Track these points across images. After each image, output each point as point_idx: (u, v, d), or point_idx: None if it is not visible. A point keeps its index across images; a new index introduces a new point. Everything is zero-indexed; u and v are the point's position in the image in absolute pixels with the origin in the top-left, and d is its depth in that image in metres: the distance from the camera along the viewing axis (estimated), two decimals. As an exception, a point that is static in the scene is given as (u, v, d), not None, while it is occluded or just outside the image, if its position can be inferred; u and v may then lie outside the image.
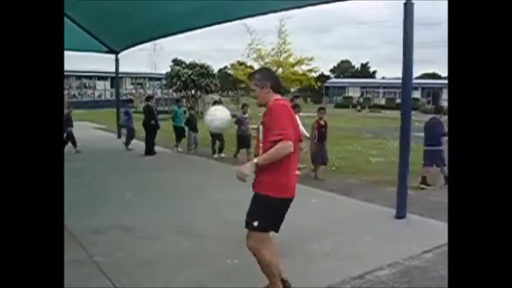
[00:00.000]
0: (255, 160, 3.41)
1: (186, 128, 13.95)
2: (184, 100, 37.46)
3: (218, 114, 4.37)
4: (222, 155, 12.78)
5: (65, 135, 13.12)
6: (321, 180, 9.42)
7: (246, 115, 12.48)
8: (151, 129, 13.10)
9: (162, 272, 4.49)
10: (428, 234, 5.69)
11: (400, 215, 6.38)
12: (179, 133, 14.11)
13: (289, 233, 4.55)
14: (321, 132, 9.75)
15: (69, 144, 12.98)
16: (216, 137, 12.59)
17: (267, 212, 3.48)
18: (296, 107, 10.27)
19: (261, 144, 3.60)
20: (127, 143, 13.92)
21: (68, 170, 10.09)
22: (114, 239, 5.48)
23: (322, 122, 9.77)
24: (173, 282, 4.24)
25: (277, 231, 3.61)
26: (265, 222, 3.48)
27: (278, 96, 3.69)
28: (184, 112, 14.95)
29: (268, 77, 3.75)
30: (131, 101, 17.34)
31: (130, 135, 14.10)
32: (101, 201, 7.39)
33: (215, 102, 12.78)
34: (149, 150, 12.98)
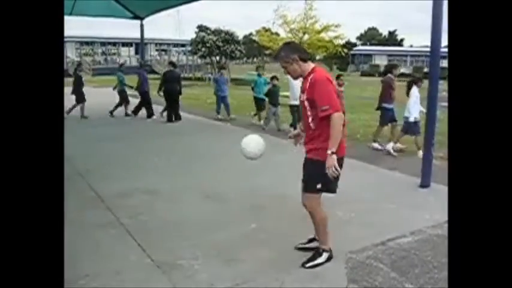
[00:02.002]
0: (330, 151, 3.54)
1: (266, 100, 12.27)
2: (209, 66, 37.58)
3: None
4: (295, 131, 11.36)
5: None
6: None
7: (342, 88, 10.43)
8: (176, 95, 13.21)
9: (187, 233, 4.60)
10: (452, 203, 5.63)
11: (425, 184, 6.34)
12: (258, 104, 12.84)
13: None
14: None
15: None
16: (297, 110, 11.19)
17: (326, 175, 3.63)
18: (418, 82, 9.02)
19: (310, 118, 3.73)
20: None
21: (96, 135, 10.28)
22: (140, 202, 5.61)
23: None
24: (197, 244, 4.33)
25: (335, 192, 3.90)
26: (327, 184, 3.73)
27: (311, 65, 3.79)
28: (266, 82, 12.86)
29: (293, 50, 3.80)
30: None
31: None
32: (127, 165, 7.56)
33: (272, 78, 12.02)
34: (175, 116, 13.11)
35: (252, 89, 13.19)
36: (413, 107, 8.63)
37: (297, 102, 10.60)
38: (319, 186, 3.74)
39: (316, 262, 3.89)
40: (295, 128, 10.45)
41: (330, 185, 3.77)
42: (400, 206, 5.52)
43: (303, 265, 3.86)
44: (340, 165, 3.71)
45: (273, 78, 12.04)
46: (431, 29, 6.15)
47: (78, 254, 3.91)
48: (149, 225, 4.83)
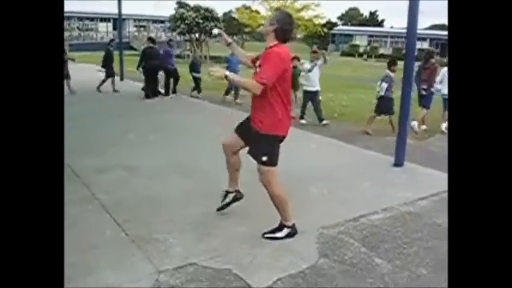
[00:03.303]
0: (228, 73, 3.81)
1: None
2: (188, 44, 37.16)
3: None
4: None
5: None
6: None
7: (393, 74, 9.18)
8: (154, 71, 13.08)
9: (163, 209, 4.64)
10: (424, 182, 5.79)
11: (398, 162, 6.46)
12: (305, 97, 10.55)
13: (287, 176, 4.66)
14: None
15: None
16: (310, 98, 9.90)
17: (272, 148, 3.86)
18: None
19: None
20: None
21: (74, 113, 10.13)
22: (117, 178, 5.61)
23: None
24: (172, 219, 4.38)
25: (276, 165, 3.92)
26: (271, 157, 3.85)
27: (279, 45, 3.83)
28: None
29: (278, 20, 3.86)
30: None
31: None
32: (105, 142, 7.51)
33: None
34: (152, 93, 12.97)
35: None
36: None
37: (313, 89, 9.80)
38: (264, 158, 3.82)
39: (274, 235, 4.00)
40: (320, 120, 9.85)
41: (274, 160, 3.87)
42: (373, 184, 5.63)
43: (262, 234, 4.00)
44: (280, 142, 3.90)
45: (293, 58, 10.01)
46: (408, 10, 6.19)
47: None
48: (125, 200, 4.83)
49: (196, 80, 13.56)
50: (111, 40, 15.54)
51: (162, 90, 13.56)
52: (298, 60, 10.85)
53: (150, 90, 12.97)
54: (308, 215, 4.35)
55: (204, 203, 4.77)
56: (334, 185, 5.50)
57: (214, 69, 3.78)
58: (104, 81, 13.89)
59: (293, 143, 4.44)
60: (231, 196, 4.47)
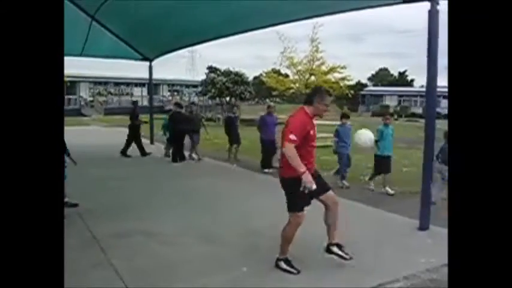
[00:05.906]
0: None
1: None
2: (219, 107, 37.97)
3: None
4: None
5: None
6: None
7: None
8: (181, 135, 13.25)
9: (178, 277, 4.56)
10: (450, 247, 5.55)
11: (423, 226, 6.24)
12: (381, 165, 9.41)
13: (308, 242, 4.58)
14: None
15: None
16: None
17: None
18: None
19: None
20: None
21: (100, 176, 10.25)
22: (134, 243, 5.58)
23: None
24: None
25: None
26: None
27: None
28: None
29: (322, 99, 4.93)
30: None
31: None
32: (127, 206, 7.54)
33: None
34: (179, 156, 13.08)
35: (376, 142, 9.13)
36: None
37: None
38: None
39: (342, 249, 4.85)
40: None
41: None
42: (396, 250, 5.45)
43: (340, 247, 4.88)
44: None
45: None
46: (427, 68, 6.15)
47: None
48: (140, 266, 4.78)
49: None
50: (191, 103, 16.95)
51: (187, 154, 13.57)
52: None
53: (178, 154, 13.08)
54: (324, 284, 4.20)
55: (220, 272, 4.67)
56: (355, 251, 5.29)
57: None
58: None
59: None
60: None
